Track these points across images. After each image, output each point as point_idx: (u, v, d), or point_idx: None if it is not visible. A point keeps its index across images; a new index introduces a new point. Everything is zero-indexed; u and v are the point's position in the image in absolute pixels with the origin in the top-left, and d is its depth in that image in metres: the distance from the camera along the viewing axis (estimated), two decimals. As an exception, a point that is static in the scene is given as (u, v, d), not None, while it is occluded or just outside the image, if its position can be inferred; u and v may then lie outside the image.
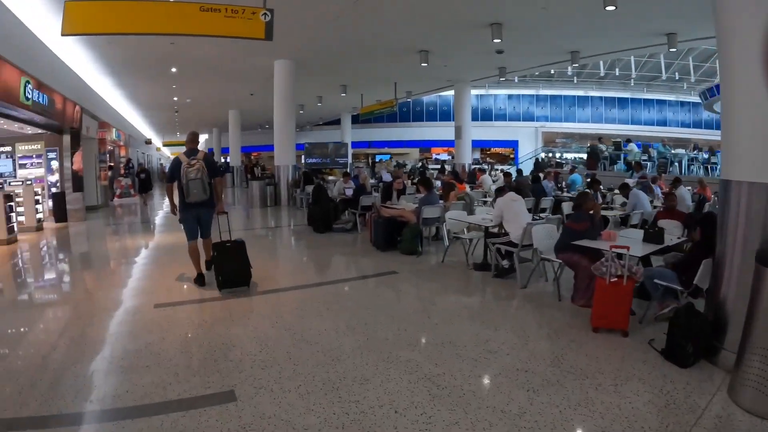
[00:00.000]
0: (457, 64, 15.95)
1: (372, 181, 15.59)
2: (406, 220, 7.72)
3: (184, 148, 5.83)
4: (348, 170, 15.99)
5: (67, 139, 13.05)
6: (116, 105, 19.75)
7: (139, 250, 9.11)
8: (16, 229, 9.98)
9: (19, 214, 11.17)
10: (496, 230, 6.43)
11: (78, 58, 12.26)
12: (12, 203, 9.85)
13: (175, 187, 5.65)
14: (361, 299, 5.44)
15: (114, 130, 19.94)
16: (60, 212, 13.02)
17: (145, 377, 3.42)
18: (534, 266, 5.87)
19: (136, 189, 25.63)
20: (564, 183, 14.75)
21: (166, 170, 6.70)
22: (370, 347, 3.94)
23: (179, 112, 24.25)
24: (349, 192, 11.27)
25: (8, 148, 12.57)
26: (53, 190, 13.09)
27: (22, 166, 13.29)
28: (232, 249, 5.50)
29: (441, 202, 8.28)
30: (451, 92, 28.08)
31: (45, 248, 9.55)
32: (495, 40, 11.29)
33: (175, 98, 20.19)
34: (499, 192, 6.75)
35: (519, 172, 18.34)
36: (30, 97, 8.79)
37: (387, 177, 16.25)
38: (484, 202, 11.00)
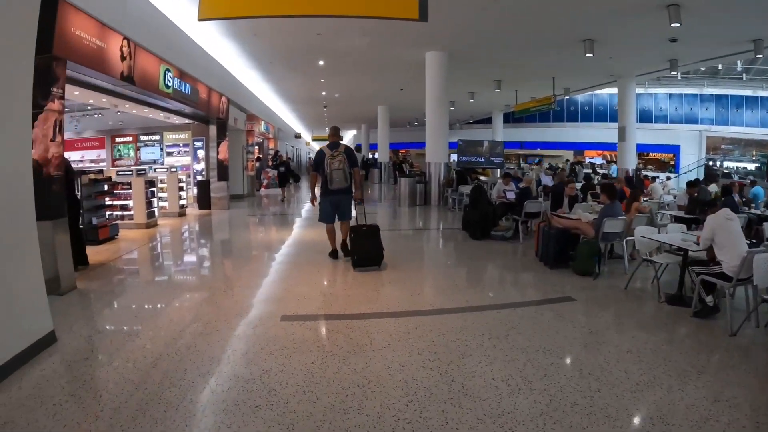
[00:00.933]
0: (623, 56, 13.51)
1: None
2: (582, 234, 6.33)
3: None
4: (507, 171, 13.99)
5: (213, 129, 13.38)
6: (265, 99, 20.50)
7: (276, 245, 8.47)
8: (156, 213, 10.19)
9: (162, 199, 11.60)
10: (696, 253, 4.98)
11: (224, 51, 12.38)
12: (153, 189, 10.04)
13: (319, 177, 6.35)
14: (534, 336, 4.09)
15: (262, 122, 20.75)
16: (203, 200, 13.43)
17: (250, 425, 2.61)
18: (752, 309, 4.28)
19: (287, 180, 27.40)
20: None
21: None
22: (555, 416, 2.75)
23: (328, 107, 24.58)
24: (510, 195, 9.70)
25: (157, 137, 13.30)
26: (198, 178, 13.54)
27: (170, 154, 14.08)
28: (367, 232, 6.12)
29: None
30: (608, 91, 24.65)
31: (181, 235, 9.62)
32: (673, 24, 9.24)
33: (324, 93, 20.26)
34: (706, 207, 5.61)
35: (696, 182, 14.58)
36: (170, 85, 8.70)
37: (546, 180, 14.12)
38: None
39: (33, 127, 4.85)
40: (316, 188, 6.46)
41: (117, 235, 8.45)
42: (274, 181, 22.61)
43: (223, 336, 3.98)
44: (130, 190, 9.38)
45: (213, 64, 11.97)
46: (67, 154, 17.01)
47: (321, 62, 14.29)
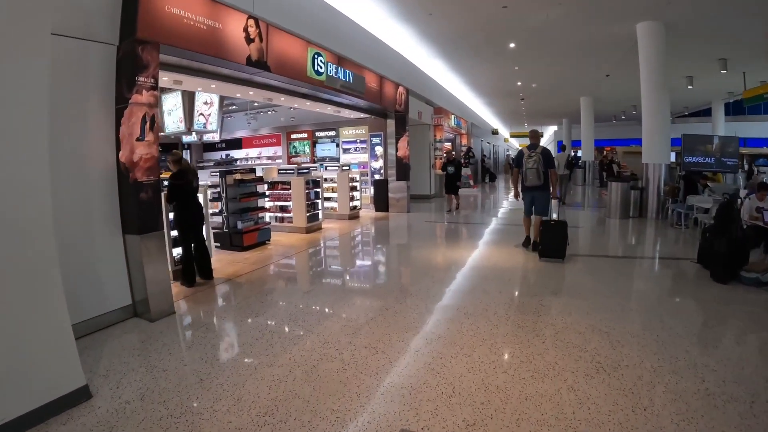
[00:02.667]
0: None
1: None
2: None
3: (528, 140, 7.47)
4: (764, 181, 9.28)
5: (391, 123, 12.39)
6: (455, 91, 18.90)
7: (458, 263, 6.55)
8: (320, 216, 9.56)
9: (331, 200, 11.04)
10: None
11: (399, 36, 11.16)
12: (318, 189, 9.40)
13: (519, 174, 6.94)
14: None
15: (452, 116, 19.23)
16: (380, 201, 12.60)
17: None
18: None
19: (479, 179, 25.44)
20: None
21: (510, 160, 8.58)
22: None
23: (525, 100, 21.74)
24: (768, 217, 5.97)
25: (332, 133, 12.87)
26: (376, 177, 12.74)
27: (346, 150, 13.58)
28: (555, 227, 6.39)
29: None
30: None
31: (345, 243, 8.56)
32: None
33: (519, 83, 17.68)
34: None
35: None
36: (323, 71, 7.75)
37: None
38: None
39: (119, 124, 4.26)
40: (518, 184, 7.00)
41: (268, 240, 7.92)
42: (466, 180, 21.05)
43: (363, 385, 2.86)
44: (290, 191, 8.87)
45: (384, 51, 10.85)
46: (243, 152, 17.95)
47: (512, 44, 11.95)
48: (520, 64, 14.36)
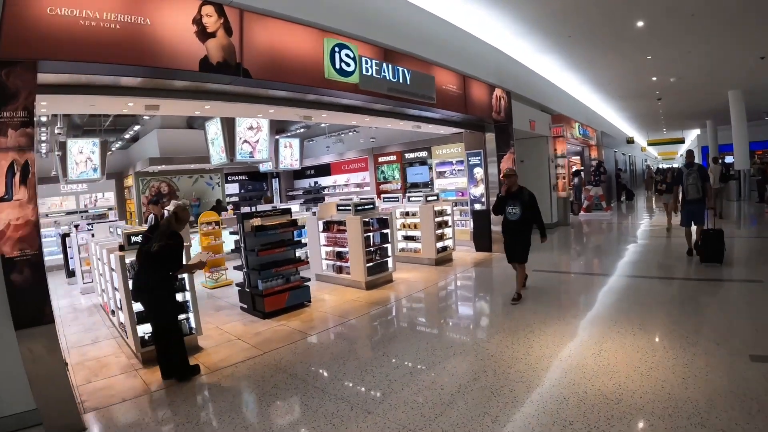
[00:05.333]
0: None
1: None
2: None
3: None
4: None
5: (490, 138, 9.58)
6: (577, 93, 15.30)
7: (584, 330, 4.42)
8: (390, 266, 7.05)
9: (415, 239, 8.48)
10: None
11: (489, 24, 8.41)
12: (387, 230, 6.93)
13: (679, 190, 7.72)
14: None
15: (576, 125, 15.57)
16: (481, 237, 9.74)
17: None
18: None
19: (613, 198, 20.74)
20: None
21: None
22: None
23: (662, 99, 17.19)
24: None
25: (423, 154, 10.31)
26: (476, 206, 9.91)
27: (440, 174, 10.87)
28: (712, 235, 6.81)
29: None
30: None
31: (415, 312, 5.89)
32: None
33: (654, 78, 13.63)
34: None
35: None
36: (351, 70, 5.28)
37: None
38: None
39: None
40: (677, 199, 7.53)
41: (307, 302, 5.64)
42: (597, 200, 17.03)
43: None
44: (346, 235, 6.52)
45: (466, 41, 8.14)
46: (331, 179, 15.62)
47: (639, 23, 8.59)
48: (654, 52, 10.71)
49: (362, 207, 6.65)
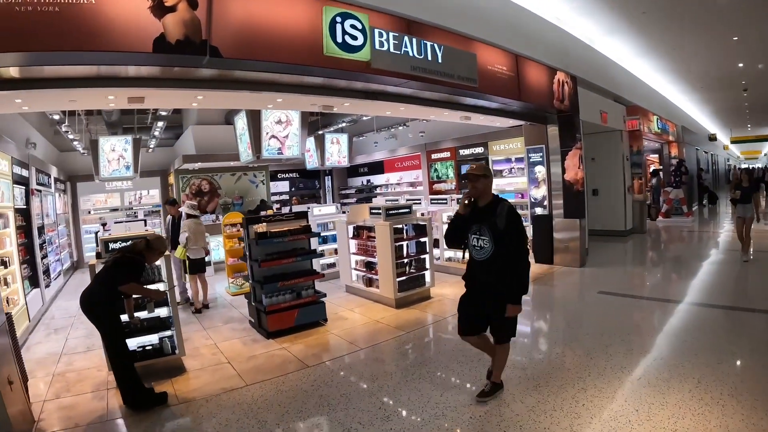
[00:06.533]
0: None
1: None
2: None
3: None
4: None
5: (553, 131, 8.26)
6: (653, 83, 13.40)
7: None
8: (427, 280, 5.98)
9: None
10: None
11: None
12: (424, 238, 5.87)
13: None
14: None
15: (655, 118, 13.66)
16: (542, 247, 8.42)
17: None
18: None
19: (694, 202, 18.21)
20: None
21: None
22: None
23: (748, 90, 14.78)
24: None
25: (480, 150, 9.10)
26: (537, 210, 8.61)
27: (498, 173, 9.59)
28: None
29: None
30: None
31: (445, 343, 4.74)
32: None
33: (740, 64, 11.59)
34: None
35: None
36: (360, 44, 4.22)
37: None
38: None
39: None
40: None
41: (321, 321, 4.75)
42: (678, 204, 14.97)
43: None
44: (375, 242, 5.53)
45: (513, 13, 6.84)
46: (384, 177, 13.60)
47: None
48: (741, 32, 8.91)
49: (395, 211, 5.61)
